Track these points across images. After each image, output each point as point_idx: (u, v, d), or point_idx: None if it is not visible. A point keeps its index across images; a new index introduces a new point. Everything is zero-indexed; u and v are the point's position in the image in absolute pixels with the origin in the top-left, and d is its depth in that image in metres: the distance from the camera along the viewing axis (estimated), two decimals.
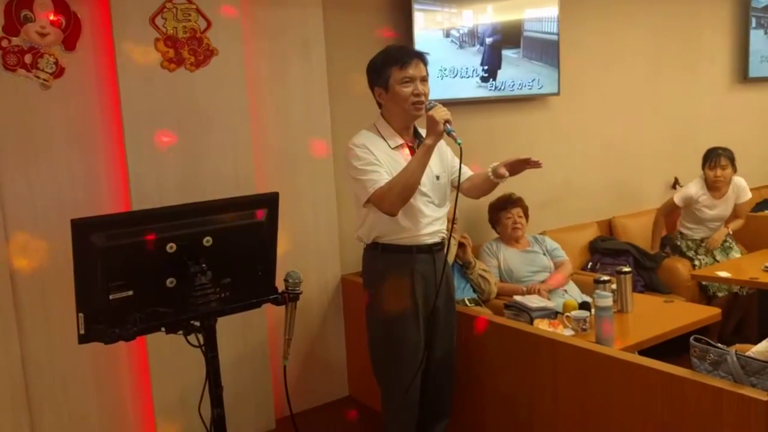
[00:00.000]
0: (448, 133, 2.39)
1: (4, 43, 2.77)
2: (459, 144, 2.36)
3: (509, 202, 3.96)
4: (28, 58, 2.83)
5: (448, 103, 3.97)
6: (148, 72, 3.01)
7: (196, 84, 3.12)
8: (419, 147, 2.47)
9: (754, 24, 5.67)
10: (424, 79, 2.58)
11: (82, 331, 1.84)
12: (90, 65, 2.95)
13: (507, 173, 2.58)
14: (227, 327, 3.13)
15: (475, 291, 3.66)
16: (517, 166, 2.58)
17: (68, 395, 3.00)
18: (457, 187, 2.55)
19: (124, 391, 3.15)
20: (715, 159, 4.50)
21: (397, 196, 2.42)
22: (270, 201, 2.06)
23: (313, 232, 3.58)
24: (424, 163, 2.42)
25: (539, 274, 3.82)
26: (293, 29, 3.41)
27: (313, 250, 3.59)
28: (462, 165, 2.57)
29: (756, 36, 5.70)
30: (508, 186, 4.08)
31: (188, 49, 3.09)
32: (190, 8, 3.08)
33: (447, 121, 2.38)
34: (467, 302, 3.53)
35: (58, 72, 2.89)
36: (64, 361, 2.96)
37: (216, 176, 3.19)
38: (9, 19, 2.77)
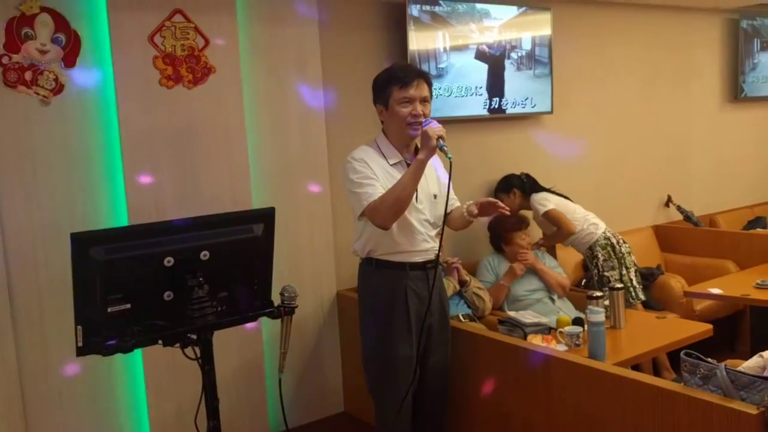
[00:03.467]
0: (440, 149, 2.41)
1: (5, 60, 2.82)
2: (449, 158, 2.38)
3: (524, 222, 3.92)
4: (28, 75, 2.87)
5: (441, 122, 4.05)
6: (146, 89, 3.05)
7: (193, 101, 3.17)
8: (412, 166, 2.49)
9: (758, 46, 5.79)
10: (425, 100, 2.60)
11: (80, 344, 1.86)
12: (89, 82, 2.99)
13: (476, 211, 2.62)
14: (223, 340, 3.12)
15: (469, 307, 3.69)
16: (486, 207, 2.62)
17: (64, 408, 3.01)
18: (446, 203, 2.54)
19: (119, 404, 3.15)
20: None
21: (388, 210, 2.44)
22: (266, 216, 2.09)
23: (308, 248, 3.60)
24: (416, 178, 2.44)
25: (537, 293, 3.80)
26: (290, 47, 3.46)
27: (309, 266, 3.62)
28: (452, 188, 2.57)
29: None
30: None
31: (186, 67, 3.14)
32: (188, 27, 3.13)
33: (440, 137, 2.40)
34: (461, 318, 3.55)
35: (58, 89, 2.93)
36: (60, 373, 2.97)
37: (212, 193, 3.22)
38: (10, 36, 2.82)
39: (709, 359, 2.21)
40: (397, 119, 2.58)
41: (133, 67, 3.02)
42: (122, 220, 3.07)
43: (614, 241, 4.01)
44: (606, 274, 3.97)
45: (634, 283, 4.00)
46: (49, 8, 2.89)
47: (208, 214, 2.57)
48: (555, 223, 4.01)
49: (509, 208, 4.07)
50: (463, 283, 3.70)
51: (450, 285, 3.64)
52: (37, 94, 2.89)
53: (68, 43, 2.94)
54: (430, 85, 2.65)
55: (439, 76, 3.97)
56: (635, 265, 4.07)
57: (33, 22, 2.86)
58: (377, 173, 2.55)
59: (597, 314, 2.82)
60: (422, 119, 2.54)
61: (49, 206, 2.93)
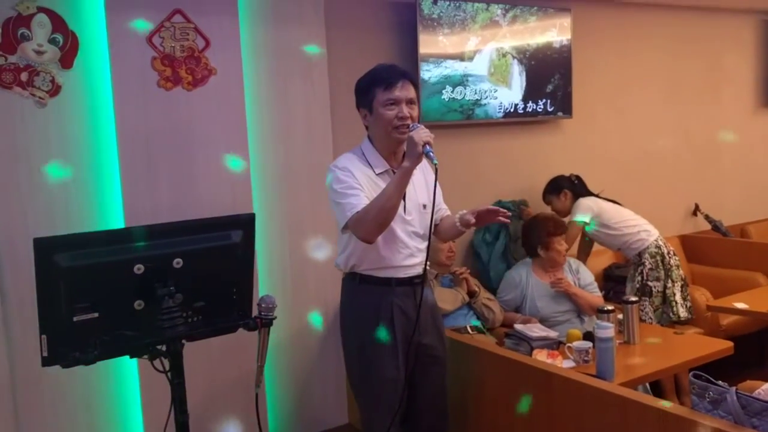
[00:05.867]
0: (426, 155, 2.25)
1: (1, 61, 2.78)
2: (435, 165, 2.23)
3: (563, 227, 3.69)
4: (24, 76, 2.83)
5: (454, 125, 3.94)
6: (144, 91, 2.99)
7: (193, 103, 3.10)
8: (398, 174, 2.31)
9: None
10: (412, 102, 2.42)
11: (45, 353, 1.78)
12: (86, 83, 2.94)
13: (473, 220, 2.43)
14: (220, 350, 3.10)
15: (479, 318, 3.56)
16: (485, 215, 2.43)
17: (57, 414, 2.96)
18: (432, 212, 2.40)
19: (114, 412, 3.09)
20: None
21: (372, 222, 2.28)
22: (245, 222, 1.99)
23: (312, 256, 3.51)
24: (401, 187, 2.28)
25: (566, 314, 3.58)
26: (295, 48, 3.37)
27: (313, 274, 3.52)
28: (440, 196, 2.44)
29: None
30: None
31: (186, 68, 3.07)
32: (188, 27, 3.07)
33: (427, 143, 2.23)
34: (469, 329, 3.43)
35: (55, 90, 2.89)
36: (54, 379, 2.92)
37: (212, 198, 3.15)
38: (6, 37, 2.78)
39: (720, 382, 2.05)
40: (382, 123, 2.41)
41: (130, 68, 2.96)
42: (118, 224, 3.01)
43: (665, 251, 3.86)
44: (650, 283, 3.81)
45: (677, 298, 3.82)
46: (46, 8, 2.85)
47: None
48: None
49: (561, 211, 4.05)
50: (472, 294, 3.57)
51: (459, 296, 3.51)
52: (33, 95, 2.85)
53: (66, 43, 2.89)
54: (416, 86, 2.50)
55: (452, 78, 3.85)
56: (683, 279, 3.89)
57: (30, 22, 2.82)
58: (362, 182, 2.38)
59: (605, 329, 2.66)
60: (409, 122, 2.38)
61: (43, 209, 2.88)
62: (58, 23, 2.88)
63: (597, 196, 4.05)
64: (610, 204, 4.01)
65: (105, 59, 2.95)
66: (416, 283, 2.48)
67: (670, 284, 3.84)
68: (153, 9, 2.99)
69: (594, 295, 3.63)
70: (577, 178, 4.12)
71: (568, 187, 4.05)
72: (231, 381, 3.24)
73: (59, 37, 2.88)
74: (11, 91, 2.81)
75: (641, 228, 3.91)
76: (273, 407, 3.43)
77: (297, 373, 3.51)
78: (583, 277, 3.69)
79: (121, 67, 2.95)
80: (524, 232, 3.77)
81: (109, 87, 2.96)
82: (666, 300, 3.85)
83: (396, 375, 2.45)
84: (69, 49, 2.90)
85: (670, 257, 3.86)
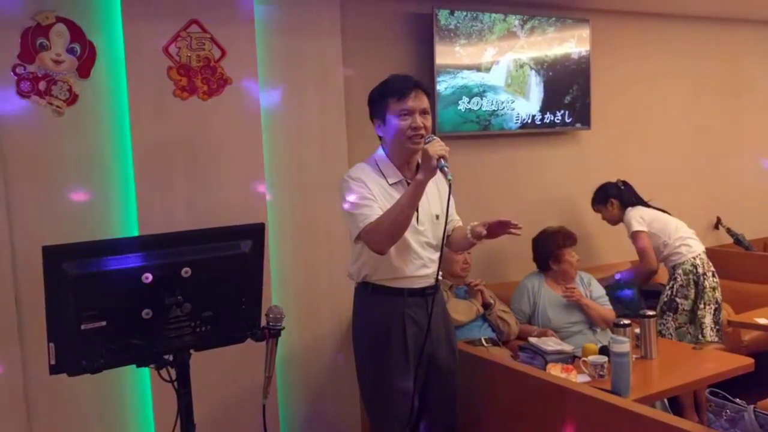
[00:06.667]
0: (440, 169, 2.23)
1: (19, 70, 2.81)
2: (449, 180, 2.22)
3: (573, 238, 3.68)
4: (42, 85, 2.86)
5: (470, 136, 3.92)
6: (160, 100, 3.01)
7: (208, 113, 3.11)
8: (411, 187, 2.32)
9: None
10: (425, 112, 2.43)
11: (53, 362, 1.79)
12: (103, 93, 2.96)
13: (485, 232, 2.42)
14: (233, 360, 3.09)
15: (494, 331, 3.52)
16: (496, 228, 2.42)
17: (69, 415, 2.96)
18: (444, 225, 2.40)
19: (126, 418, 3.09)
20: None
21: (384, 234, 2.28)
22: (255, 232, 1.99)
23: (326, 267, 3.49)
24: (414, 200, 2.28)
25: (578, 325, 3.57)
26: (311, 59, 3.37)
27: (326, 285, 3.50)
28: (453, 208, 2.44)
29: None
30: (538, 220, 3.98)
31: (201, 78, 3.08)
32: (204, 37, 3.08)
33: (442, 157, 2.23)
34: (484, 342, 3.39)
35: (72, 99, 2.91)
36: (66, 380, 2.92)
37: (226, 208, 3.14)
38: (25, 46, 2.81)
39: (737, 399, 2.01)
40: (395, 133, 2.42)
41: (146, 77, 2.98)
42: (133, 232, 3.02)
43: (701, 270, 3.74)
44: (677, 299, 3.73)
45: (707, 320, 3.71)
46: (65, 18, 2.87)
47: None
48: (638, 252, 3.79)
49: (610, 221, 4.00)
50: (487, 306, 3.53)
51: (473, 307, 3.48)
52: (51, 104, 2.88)
53: (83, 53, 2.92)
54: (429, 96, 2.50)
55: (468, 89, 3.83)
56: (717, 303, 3.77)
57: (48, 32, 2.85)
58: (375, 193, 2.40)
59: (620, 344, 2.62)
60: (423, 132, 2.38)
61: (60, 217, 2.90)
62: (77, 33, 2.90)
63: (646, 204, 3.97)
64: (659, 213, 3.92)
65: (122, 69, 2.97)
66: (428, 293, 2.48)
67: (702, 306, 3.72)
68: (169, 19, 3.01)
69: (605, 307, 3.61)
70: (624, 183, 4.05)
71: (616, 195, 3.99)
72: (242, 391, 3.23)
73: (77, 47, 2.91)
74: (29, 100, 2.84)
75: (683, 242, 3.81)
76: (285, 418, 3.41)
77: (310, 384, 3.49)
78: (594, 290, 3.67)
79: (137, 76, 2.97)
80: (534, 246, 3.74)
81: (125, 96, 2.98)
82: (695, 321, 3.74)
83: (407, 385, 2.45)
84: (86, 58, 2.93)
85: (705, 278, 3.73)
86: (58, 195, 2.90)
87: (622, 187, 4.01)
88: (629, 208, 3.92)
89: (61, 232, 2.89)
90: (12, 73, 2.80)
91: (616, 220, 3.95)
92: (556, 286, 3.62)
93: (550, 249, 3.62)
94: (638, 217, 3.85)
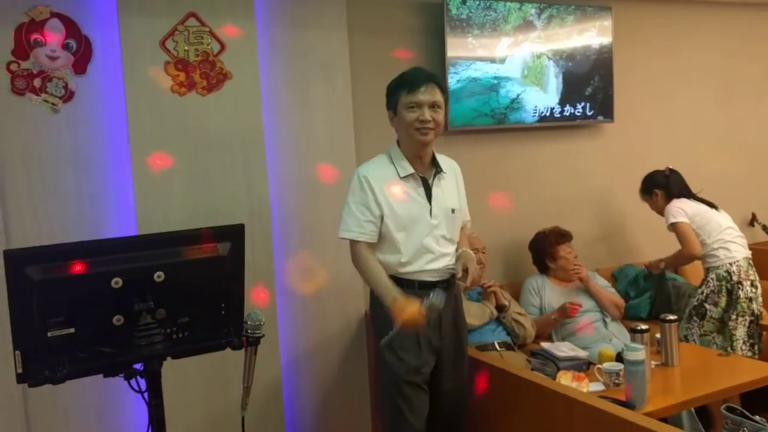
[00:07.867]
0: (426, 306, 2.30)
1: (13, 67, 2.75)
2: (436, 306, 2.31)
3: (566, 235, 3.67)
4: (37, 82, 2.79)
5: (484, 130, 3.76)
6: (157, 96, 2.93)
7: (207, 109, 3.02)
8: (389, 296, 2.39)
9: None
10: (436, 105, 2.45)
11: (19, 370, 1.71)
12: (100, 89, 2.89)
13: (459, 274, 2.50)
14: (235, 364, 2.99)
15: (508, 334, 3.37)
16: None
17: (69, 426, 2.91)
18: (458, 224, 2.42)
19: (127, 424, 3.03)
20: None
21: (359, 271, 2.53)
22: (234, 234, 1.88)
23: (333, 265, 3.38)
24: (380, 295, 2.42)
25: (589, 313, 3.48)
26: (315, 52, 3.25)
27: (334, 283, 3.39)
28: (465, 203, 2.53)
29: None
30: (558, 218, 3.82)
31: (200, 73, 2.99)
32: (202, 30, 2.99)
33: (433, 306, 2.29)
34: (497, 346, 3.24)
35: (68, 96, 2.84)
36: (66, 391, 2.87)
37: (227, 206, 3.06)
38: (19, 43, 2.75)
39: (756, 417, 1.84)
40: (403, 125, 2.48)
41: (143, 73, 2.90)
42: (131, 231, 2.95)
43: (736, 279, 3.48)
44: (706, 305, 3.50)
45: (738, 333, 3.44)
46: (59, 13, 2.81)
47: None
48: (679, 239, 3.57)
49: (657, 211, 3.77)
50: (501, 308, 3.39)
51: (486, 310, 3.34)
52: (46, 101, 2.82)
53: (79, 49, 2.85)
54: (443, 90, 2.49)
55: (482, 82, 3.67)
56: (754, 315, 3.49)
57: (43, 28, 2.79)
58: (378, 198, 2.45)
59: (636, 352, 2.45)
60: (431, 125, 2.41)
61: (56, 216, 2.84)
62: (72, 28, 2.83)
63: (694, 196, 3.75)
64: (703, 208, 3.67)
65: (118, 64, 2.90)
66: (442, 288, 2.47)
67: (734, 317, 3.45)
68: (167, 12, 2.92)
69: (613, 293, 3.62)
70: (671, 171, 3.81)
71: (661, 186, 3.76)
72: (233, 401, 3.13)
73: (72, 43, 2.84)
74: (24, 98, 2.78)
75: (722, 245, 3.55)
76: (292, 420, 3.31)
77: (318, 388, 3.39)
78: (598, 281, 3.67)
79: (133, 72, 2.89)
80: (530, 250, 3.74)
81: (122, 92, 2.90)
82: (724, 331, 3.49)
83: (418, 379, 2.50)
84: (82, 54, 2.86)
85: (741, 288, 3.45)
86: (55, 193, 2.84)
87: (668, 175, 3.79)
88: (673, 200, 3.70)
89: (58, 231, 2.83)
90: (6, 71, 2.74)
91: (661, 211, 3.74)
92: (559, 282, 3.62)
93: (544, 248, 3.65)
94: (679, 209, 3.62)
